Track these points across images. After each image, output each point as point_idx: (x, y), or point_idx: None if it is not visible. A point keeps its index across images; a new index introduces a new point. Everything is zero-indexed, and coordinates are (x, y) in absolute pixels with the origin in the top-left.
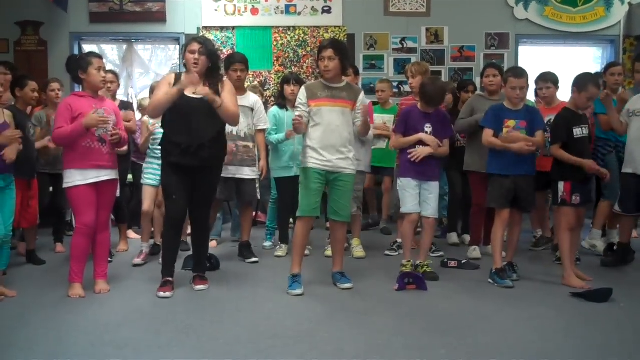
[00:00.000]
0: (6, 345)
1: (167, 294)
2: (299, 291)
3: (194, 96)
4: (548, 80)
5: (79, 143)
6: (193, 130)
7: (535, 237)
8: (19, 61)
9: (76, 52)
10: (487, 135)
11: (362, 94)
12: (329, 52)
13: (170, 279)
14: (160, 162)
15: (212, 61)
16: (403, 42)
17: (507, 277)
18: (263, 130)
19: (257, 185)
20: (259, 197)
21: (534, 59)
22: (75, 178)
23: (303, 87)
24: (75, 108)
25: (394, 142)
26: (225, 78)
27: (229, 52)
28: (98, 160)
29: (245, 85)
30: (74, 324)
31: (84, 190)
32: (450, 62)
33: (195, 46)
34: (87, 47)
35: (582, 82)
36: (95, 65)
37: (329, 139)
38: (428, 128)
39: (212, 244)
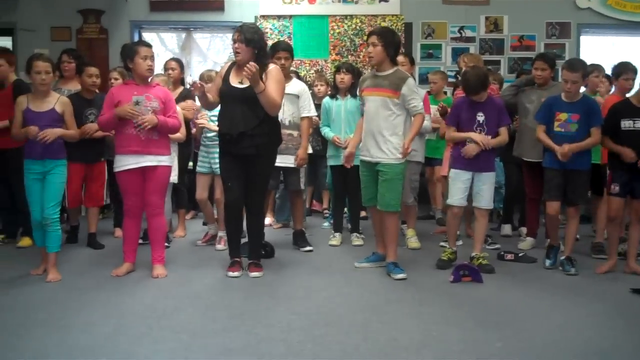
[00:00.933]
0: (67, 326)
1: (236, 273)
2: (365, 264)
3: (238, 85)
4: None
5: (120, 130)
6: (235, 119)
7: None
8: (80, 49)
9: (136, 39)
10: (539, 131)
11: (408, 81)
12: (372, 39)
13: (238, 259)
14: (209, 149)
15: (256, 48)
16: (461, 30)
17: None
18: (308, 118)
19: (302, 175)
20: (302, 186)
21: (596, 48)
22: (119, 163)
23: (360, 79)
24: (116, 96)
25: (447, 135)
26: (272, 66)
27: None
28: (136, 146)
29: (301, 73)
30: (132, 307)
31: (124, 175)
32: (509, 51)
33: (236, 35)
34: (147, 35)
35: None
36: (141, 54)
37: (369, 128)
38: (480, 117)
39: (278, 226)
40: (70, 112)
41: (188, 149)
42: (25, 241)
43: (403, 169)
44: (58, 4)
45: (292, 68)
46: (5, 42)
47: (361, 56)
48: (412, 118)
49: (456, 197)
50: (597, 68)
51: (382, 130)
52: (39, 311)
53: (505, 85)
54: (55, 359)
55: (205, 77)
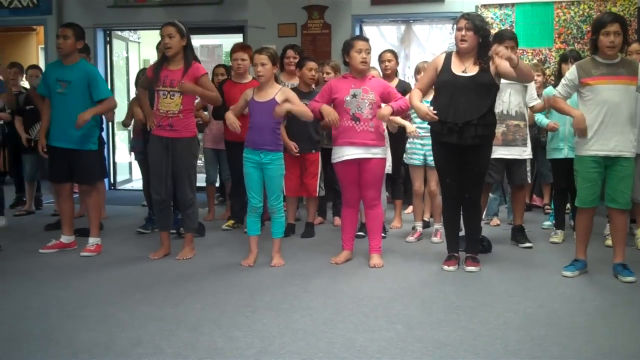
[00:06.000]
0: (289, 310)
1: (452, 267)
2: (569, 273)
3: (463, 74)
4: None
5: (339, 121)
6: (460, 108)
7: None
8: (305, 44)
9: (357, 34)
10: None
11: None
12: (615, 27)
13: (455, 254)
14: (422, 141)
15: (482, 36)
16: None
17: None
18: (532, 108)
19: (529, 168)
20: (529, 180)
21: None
22: (335, 155)
23: (574, 66)
24: (334, 88)
25: None
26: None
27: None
28: (352, 137)
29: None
30: (350, 295)
31: (340, 166)
32: None
33: (462, 22)
34: (367, 29)
35: None
36: (356, 48)
37: (608, 120)
38: None
39: (494, 221)
40: (294, 97)
41: (402, 140)
42: None
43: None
44: (285, 1)
45: None
46: (237, 39)
47: (589, 44)
48: None
49: None
50: None
51: (626, 121)
52: (264, 294)
53: None
54: (279, 339)
55: (420, 69)
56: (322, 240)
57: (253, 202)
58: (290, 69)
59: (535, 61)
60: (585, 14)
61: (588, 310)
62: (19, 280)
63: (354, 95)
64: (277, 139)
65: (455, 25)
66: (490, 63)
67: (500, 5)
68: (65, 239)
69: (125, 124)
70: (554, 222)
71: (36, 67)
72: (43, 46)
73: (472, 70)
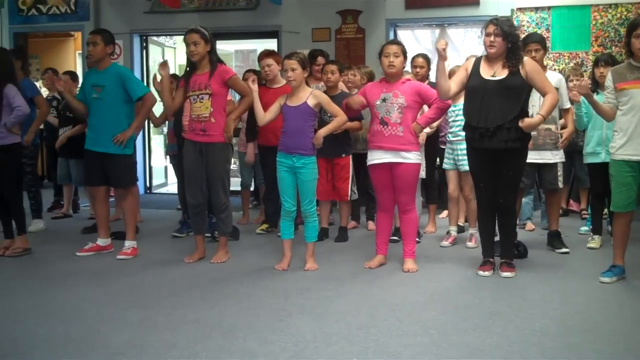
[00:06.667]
0: (323, 314)
1: (487, 273)
2: (607, 279)
3: (492, 78)
4: None
5: (370, 124)
6: (491, 112)
7: None
8: (339, 48)
9: (391, 38)
10: None
11: None
12: None
13: (490, 259)
14: (453, 146)
15: (510, 42)
16: None
17: None
18: (567, 110)
19: (560, 172)
20: (561, 184)
21: None
22: (368, 157)
23: (609, 72)
24: (368, 92)
25: None
26: (525, 58)
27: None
28: (380, 141)
29: (560, 68)
30: (384, 300)
31: (372, 169)
32: None
33: (491, 28)
34: (402, 33)
35: None
36: (384, 53)
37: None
38: None
39: (529, 226)
40: (326, 100)
41: (435, 144)
42: None
43: None
44: (319, 6)
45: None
46: (271, 44)
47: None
48: None
49: None
50: None
51: None
52: (298, 298)
53: None
54: (313, 343)
55: (452, 73)
56: (355, 245)
57: (286, 206)
58: (319, 75)
59: (572, 64)
60: (623, 16)
61: (626, 316)
62: (56, 282)
63: (384, 100)
64: (310, 143)
65: (484, 30)
66: (520, 67)
67: (537, 9)
68: (101, 242)
69: (155, 124)
70: (591, 227)
71: (69, 72)
72: (81, 52)
73: (501, 73)
